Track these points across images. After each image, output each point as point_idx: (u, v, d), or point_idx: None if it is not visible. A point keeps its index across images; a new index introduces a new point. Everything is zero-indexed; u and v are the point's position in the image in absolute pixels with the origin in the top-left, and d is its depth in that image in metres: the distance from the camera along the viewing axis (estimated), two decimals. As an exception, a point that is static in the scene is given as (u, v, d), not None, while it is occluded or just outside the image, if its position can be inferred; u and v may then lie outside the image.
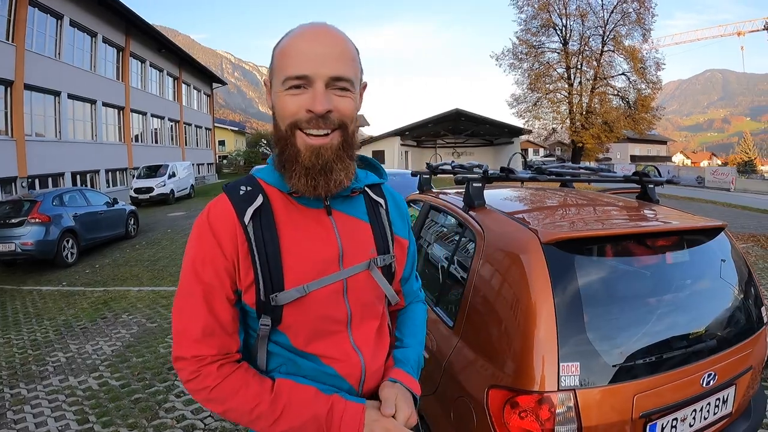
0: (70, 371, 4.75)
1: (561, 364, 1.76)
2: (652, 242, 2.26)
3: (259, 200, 1.15)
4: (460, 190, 2.95)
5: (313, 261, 1.15)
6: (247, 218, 1.12)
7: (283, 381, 1.15)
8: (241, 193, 1.16)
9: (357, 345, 1.23)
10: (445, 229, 3.13)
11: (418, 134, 45.44)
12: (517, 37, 39.32)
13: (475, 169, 2.85)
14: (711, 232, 2.44)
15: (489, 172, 2.78)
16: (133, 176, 24.62)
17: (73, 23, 21.72)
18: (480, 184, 2.68)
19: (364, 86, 1.23)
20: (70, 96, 21.51)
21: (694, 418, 2.05)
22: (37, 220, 9.60)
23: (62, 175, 20.71)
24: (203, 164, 39.85)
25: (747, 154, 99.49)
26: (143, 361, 4.97)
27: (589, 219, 2.50)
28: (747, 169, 72.09)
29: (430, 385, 2.31)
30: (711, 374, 2.01)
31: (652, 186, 3.10)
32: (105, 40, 24.64)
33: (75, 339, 5.64)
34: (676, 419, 1.98)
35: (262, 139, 59.78)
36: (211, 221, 1.14)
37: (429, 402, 2.32)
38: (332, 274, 1.17)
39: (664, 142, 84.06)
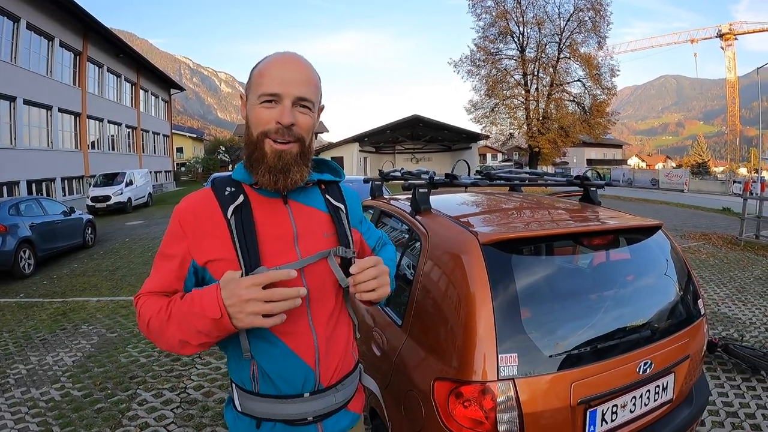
0: (32, 383, 4.70)
1: (500, 356, 1.88)
2: (588, 241, 2.41)
3: (240, 199, 1.37)
4: (409, 196, 3.09)
5: (273, 240, 1.37)
6: (229, 213, 1.35)
7: (179, 293, 1.36)
8: (227, 193, 1.38)
9: (313, 323, 1.41)
10: (395, 233, 3.24)
11: (377, 140, 45.64)
12: (475, 45, 40.04)
13: (423, 176, 2.98)
14: (648, 231, 2.62)
15: (435, 178, 2.92)
16: (90, 184, 24.04)
17: (30, 26, 21.17)
18: (426, 190, 2.82)
19: (321, 108, 1.48)
20: (26, 102, 20.95)
21: (634, 404, 2.17)
22: (-8, 230, 9.35)
23: (17, 183, 20.16)
24: (161, 172, 39.14)
25: (701, 156, 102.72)
26: (105, 371, 4.95)
27: (530, 221, 2.63)
28: (701, 170, 74.42)
29: (382, 381, 2.43)
30: (647, 362, 2.14)
31: (593, 189, 3.28)
32: (62, 44, 24.09)
33: (35, 351, 5.57)
34: (616, 406, 2.10)
35: (221, 146, 59.09)
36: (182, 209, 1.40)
37: (383, 397, 2.44)
38: (303, 259, 1.38)
39: (619, 146, 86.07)
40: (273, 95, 1.31)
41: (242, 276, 1.25)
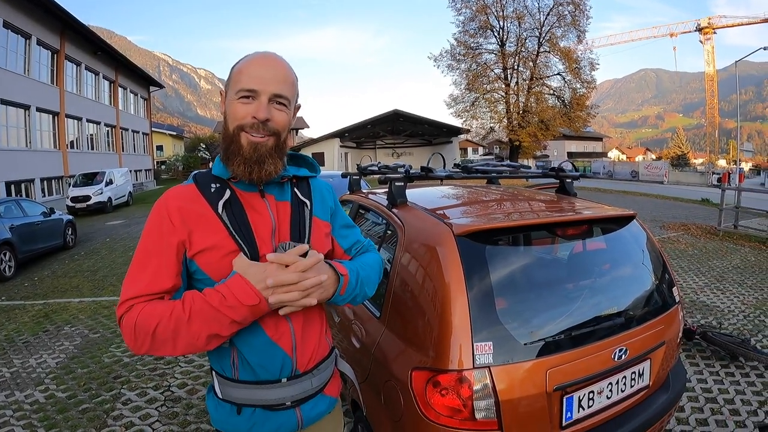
0: (16, 386, 4.67)
1: (475, 344, 1.92)
2: (563, 231, 2.46)
3: (227, 194, 1.42)
4: (386, 190, 3.11)
5: (257, 231, 1.42)
6: (220, 208, 1.39)
7: (188, 291, 1.35)
8: (213, 189, 1.42)
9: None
10: (373, 226, 3.28)
11: (358, 135, 45.51)
12: (455, 39, 40.08)
13: (399, 170, 3.02)
14: (622, 221, 2.68)
15: (410, 172, 2.96)
16: (69, 184, 23.68)
17: (6, 24, 20.89)
18: (402, 183, 2.86)
19: (298, 107, 1.52)
20: (3, 101, 20.69)
21: (611, 390, 2.22)
22: (-30, 233, 9.22)
23: (-5, 185, 19.91)
24: (141, 170, 38.77)
25: (680, 148, 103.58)
26: (88, 371, 4.93)
27: (506, 212, 2.66)
28: (680, 162, 75.18)
29: (362, 373, 2.46)
30: (622, 349, 2.19)
31: (569, 180, 3.34)
32: (39, 43, 23.76)
33: (18, 353, 5.52)
34: (592, 392, 2.15)
35: (201, 144, 58.54)
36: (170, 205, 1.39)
37: (363, 389, 2.47)
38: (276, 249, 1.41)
39: (600, 139, 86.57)
40: (250, 91, 1.35)
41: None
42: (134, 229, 15.86)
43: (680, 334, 2.66)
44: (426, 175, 3.05)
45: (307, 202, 1.55)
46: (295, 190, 1.54)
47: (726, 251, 9.80)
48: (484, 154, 73.57)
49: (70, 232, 13.05)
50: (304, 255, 1.36)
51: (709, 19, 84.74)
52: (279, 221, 1.46)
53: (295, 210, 1.51)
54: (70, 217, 13.56)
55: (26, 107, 22.61)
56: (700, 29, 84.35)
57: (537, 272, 2.38)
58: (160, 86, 47.76)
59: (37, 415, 4.11)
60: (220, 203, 1.38)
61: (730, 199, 12.58)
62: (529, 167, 3.52)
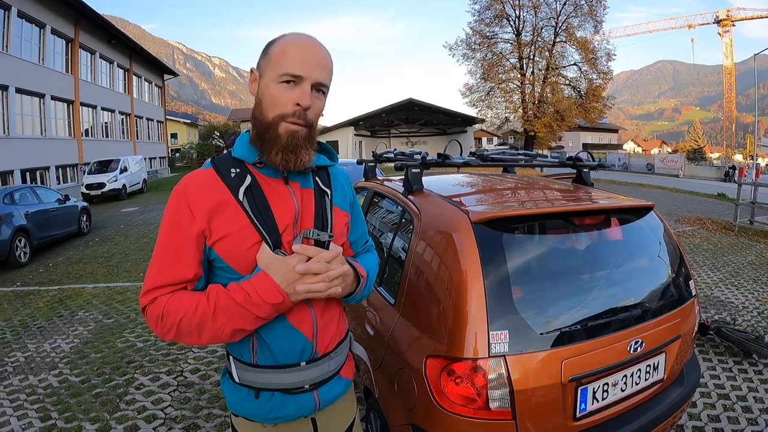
0: (30, 370, 4.72)
1: (491, 333, 1.90)
2: (580, 221, 2.42)
3: (248, 180, 1.37)
4: (402, 177, 3.10)
5: (280, 218, 1.38)
6: (241, 195, 1.35)
7: (212, 285, 1.36)
8: (233, 175, 1.37)
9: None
10: (388, 213, 3.26)
11: (372, 124, 45.55)
12: (471, 28, 39.71)
13: (415, 156, 2.99)
14: (639, 212, 2.64)
15: (427, 158, 2.93)
16: (84, 172, 23.97)
17: (21, 14, 21.04)
18: (418, 170, 2.84)
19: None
20: (18, 90, 20.86)
21: (625, 383, 2.20)
22: (-13, 219, 9.32)
23: (11, 172, 20.12)
24: (155, 158, 39.03)
25: (696, 142, 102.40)
26: (102, 356, 4.97)
27: (522, 201, 2.64)
28: (696, 156, 74.50)
29: (376, 361, 2.45)
30: (638, 341, 2.16)
31: (586, 170, 3.29)
32: (54, 32, 23.90)
33: (32, 338, 5.58)
34: (607, 384, 2.13)
35: (215, 132, 58.72)
36: (189, 192, 1.36)
37: (376, 376, 2.46)
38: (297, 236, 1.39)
39: (615, 131, 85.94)
40: (295, 76, 1.30)
41: (272, 250, 1.33)
42: (148, 216, 15.98)
43: (696, 329, 2.63)
44: (443, 162, 3.02)
45: (328, 191, 1.53)
46: (317, 178, 1.52)
47: (741, 247, 9.68)
48: (498, 144, 73.21)
49: (84, 219, 13.17)
50: (323, 245, 1.37)
51: (728, 11, 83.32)
52: (303, 209, 1.43)
53: (318, 199, 1.49)
54: (85, 204, 13.66)
55: (41, 96, 22.77)
56: (718, 21, 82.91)
57: (553, 261, 2.35)
58: (175, 74, 47.96)
59: (51, 398, 4.15)
60: (241, 189, 1.35)
61: (747, 194, 12.42)
62: (546, 156, 3.47)
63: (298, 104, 1.30)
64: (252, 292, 1.28)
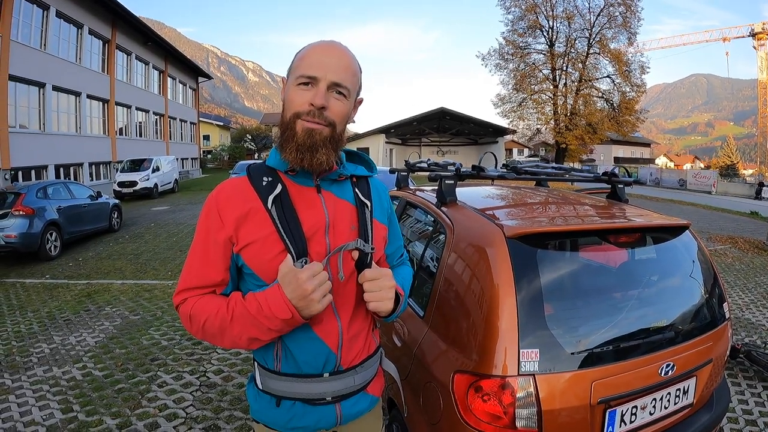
0: (54, 362, 4.79)
1: (521, 351, 1.86)
2: (614, 238, 2.35)
3: (279, 188, 1.38)
4: (435, 187, 3.07)
5: (308, 227, 1.38)
6: (269, 203, 1.36)
7: (234, 292, 1.37)
8: (264, 183, 1.39)
9: (337, 309, 1.43)
10: (419, 224, 3.24)
11: (403, 132, 45.54)
12: (504, 38, 39.43)
13: (449, 167, 2.96)
14: (675, 231, 2.56)
15: (461, 170, 2.90)
16: (117, 170, 24.37)
17: (59, 14, 21.56)
18: (452, 181, 2.81)
19: (360, 101, 1.51)
20: (55, 88, 21.35)
21: (654, 406, 2.13)
22: (21, 212, 9.49)
23: (45, 167, 20.55)
24: (187, 159, 39.59)
25: (730, 158, 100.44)
26: (126, 352, 5.03)
27: (556, 216, 2.60)
28: (729, 172, 72.95)
29: (402, 372, 2.41)
30: (669, 364, 2.09)
31: (621, 186, 3.22)
32: (91, 32, 24.45)
33: (59, 331, 5.67)
34: (635, 407, 2.07)
35: (247, 135, 59.42)
36: (220, 200, 1.40)
37: (403, 387, 2.43)
38: (331, 252, 1.39)
39: (647, 145, 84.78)
40: (310, 78, 1.32)
41: (294, 261, 1.31)
42: (179, 216, 16.19)
43: (727, 353, 2.54)
44: (478, 174, 2.98)
45: (368, 203, 1.52)
46: (356, 189, 1.52)
47: (775, 267, 9.40)
48: (529, 156, 72.71)
49: (115, 216, 13.39)
50: (366, 257, 1.42)
51: (764, 24, 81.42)
52: (335, 219, 1.43)
53: (361, 211, 1.49)
54: (117, 201, 13.89)
55: (77, 94, 23.33)
56: (753, 35, 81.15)
57: (586, 279, 2.30)
58: (209, 77, 48.62)
59: (73, 391, 4.20)
60: (270, 197, 1.36)
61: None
62: (580, 170, 3.41)
63: (311, 104, 1.32)
64: (264, 304, 1.29)
